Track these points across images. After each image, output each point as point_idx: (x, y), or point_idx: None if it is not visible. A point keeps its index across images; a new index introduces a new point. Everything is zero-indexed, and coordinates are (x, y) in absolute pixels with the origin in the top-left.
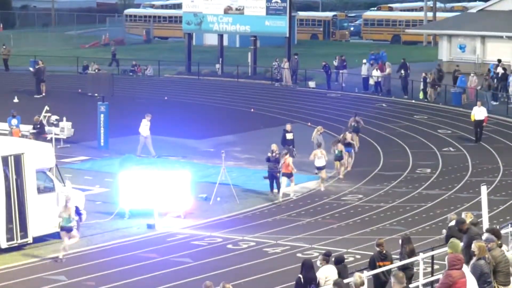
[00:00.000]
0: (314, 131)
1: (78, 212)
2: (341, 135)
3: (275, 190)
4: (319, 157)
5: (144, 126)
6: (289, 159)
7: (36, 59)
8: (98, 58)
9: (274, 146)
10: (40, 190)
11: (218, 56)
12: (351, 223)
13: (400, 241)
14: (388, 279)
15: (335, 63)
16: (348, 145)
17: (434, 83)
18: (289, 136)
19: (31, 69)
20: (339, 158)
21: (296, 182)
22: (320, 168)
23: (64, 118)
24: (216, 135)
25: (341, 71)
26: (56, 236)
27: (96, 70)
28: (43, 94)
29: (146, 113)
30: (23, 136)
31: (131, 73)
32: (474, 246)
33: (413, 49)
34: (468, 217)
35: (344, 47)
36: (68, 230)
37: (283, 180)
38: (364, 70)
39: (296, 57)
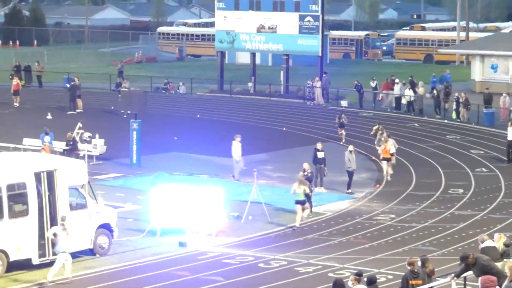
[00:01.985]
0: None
1: (110, 229)
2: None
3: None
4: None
5: (236, 148)
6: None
7: (69, 76)
8: (131, 76)
9: (306, 165)
10: (72, 207)
11: (251, 74)
12: (383, 243)
13: (419, 262)
14: None
15: (372, 84)
16: None
17: (467, 103)
18: (320, 155)
19: (67, 85)
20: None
21: (327, 202)
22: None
23: (97, 135)
24: (248, 154)
25: (390, 92)
26: (87, 253)
27: (125, 85)
28: (81, 110)
29: (236, 134)
30: (55, 152)
31: (163, 91)
32: (506, 268)
33: (445, 69)
34: (501, 239)
35: (376, 66)
36: None
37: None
38: (396, 89)
39: (325, 75)
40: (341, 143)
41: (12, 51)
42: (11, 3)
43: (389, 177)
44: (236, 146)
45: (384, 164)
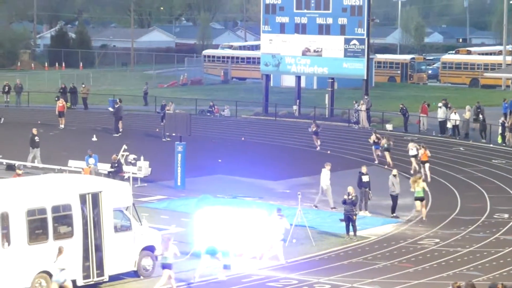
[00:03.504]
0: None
1: (154, 251)
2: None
3: (351, 233)
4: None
5: (325, 176)
6: None
7: (114, 98)
8: (176, 98)
9: (350, 189)
10: (117, 229)
11: (296, 97)
12: (428, 267)
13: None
14: None
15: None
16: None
17: None
18: (365, 178)
19: (110, 109)
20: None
21: (372, 225)
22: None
23: (142, 157)
24: (293, 177)
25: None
26: (132, 274)
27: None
28: (120, 131)
29: (326, 162)
30: (99, 174)
31: (208, 113)
32: None
33: (491, 93)
34: None
35: (422, 90)
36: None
37: None
38: (440, 113)
39: (367, 97)
40: (317, 149)
41: (58, 73)
42: (58, 26)
43: (429, 178)
44: (325, 174)
45: (426, 166)
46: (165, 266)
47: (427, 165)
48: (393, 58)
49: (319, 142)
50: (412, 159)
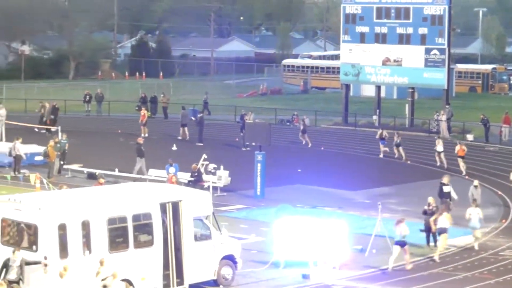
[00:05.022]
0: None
1: (233, 260)
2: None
3: (431, 244)
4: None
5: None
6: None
7: (195, 107)
8: (255, 108)
9: (431, 199)
10: (197, 238)
11: (375, 107)
12: (509, 279)
13: None
14: None
15: None
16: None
17: None
18: (446, 189)
19: (192, 118)
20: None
21: (453, 236)
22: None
23: (221, 167)
24: (372, 187)
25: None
26: (211, 283)
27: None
28: (187, 138)
29: (444, 175)
30: (179, 183)
31: (288, 123)
32: None
33: None
34: None
35: (503, 100)
36: None
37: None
38: None
39: (448, 107)
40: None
41: (139, 82)
42: (138, 35)
43: (464, 172)
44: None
45: (460, 160)
46: None
47: (462, 160)
48: (474, 68)
49: (306, 139)
50: (439, 155)
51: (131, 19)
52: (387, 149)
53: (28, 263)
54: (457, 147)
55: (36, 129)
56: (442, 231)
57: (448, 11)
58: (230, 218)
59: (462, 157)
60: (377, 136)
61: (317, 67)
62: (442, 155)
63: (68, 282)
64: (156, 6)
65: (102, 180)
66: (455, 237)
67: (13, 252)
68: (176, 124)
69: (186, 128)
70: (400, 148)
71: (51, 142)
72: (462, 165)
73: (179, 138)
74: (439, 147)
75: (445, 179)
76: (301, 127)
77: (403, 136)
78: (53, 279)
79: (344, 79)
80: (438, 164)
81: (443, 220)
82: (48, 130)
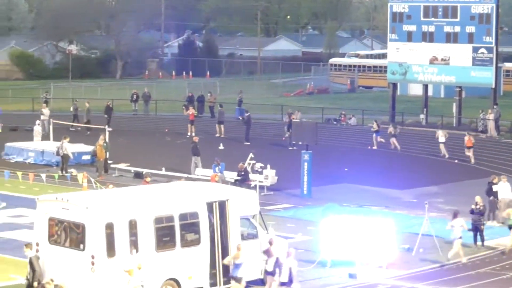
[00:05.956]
0: None
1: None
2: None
3: (479, 243)
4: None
5: (505, 189)
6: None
7: (241, 107)
8: (302, 107)
9: (478, 198)
10: (243, 237)
11: (423, 106)
12: None
13: None
14: None
15: None
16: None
17: None
18: (495, 188)
19: (240, 117)
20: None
21: (500, 235)
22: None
23: (268, 166)
24: (419, 186)
25: None
26: (258, 282)
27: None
28: (222, 135)
29: (502, 175)
30: (226, 182)
31: (335, 122)
32: None
33: None
34: None
35: None
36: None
37: None
38: None
39: (496, 107)
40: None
41: (185, 82)
42: (185, 34)
43: (472, 161)
44: (505, 187)
45: (467, 151)
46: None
47: (471, 150)
48: None
49: (288, 135)
50: (441, 145)
51: (178, 18)
52: (382, 139)
53: None
54: (466, 138)
55: (71, 128)
56: None
57: (496, 9)
58: (277, 217)
59: (470, 148)
60: (373, 130)
61: (364, 66)
62: (441, 146)
63: (115, 281)
64: (203, 5)
65: (148, 179)
66: (502, 236)
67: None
68: (225, 123)
69: (222, 126)
70: (394, 139)
71: (100, 141)
72: (470, 156)
73: (217, 135)
74: (441, 138)
75: (494, 179)
76: (393, 133)
77: (449, 134)
78: (100, 278)
79: (391, 78)
80: (442, 154)
81: None
82: (88, 129)
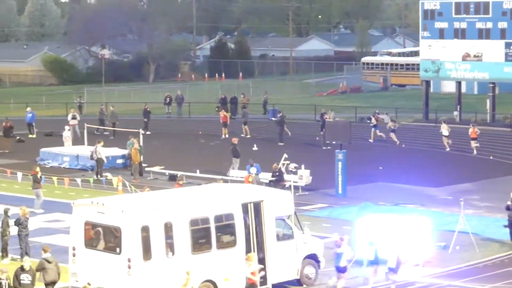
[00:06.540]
0: None
1: (316, 259)
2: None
3: None
4: None
5: None
6: None
7: (274, 107)
8: (335, 106)
9: None
10: (279, 237)
11: (456, 103)
12: None
13: None
14: None
15: None
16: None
17: None
18: None
19: (273, 118)
20: None
21: None
22: None
23: (303, 166)
24: (454, 183)
25: None
26: (294, 283)
27: (328, 116)
28: (248, 135)
29: None
30: (261, 183)
31: (368, 121)
32: None
33: None
34: None
35: None
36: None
37: None
38: None
39: None
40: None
41: (218, 83)
42: (217, 36)
43: (475, 152)
44: None
45: (473, 142)
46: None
47: (474, 141)
48: None
49: (288, 132)
50: (443, 138)
51: (209, 20)
52: (382, 134)
53: None
54: (470, 129)
55: (96, 132)
56: None
57: None
58: (312, 217)
59: (475, 139)
60: (372, 123)
61: (396, 64)
62: (444, 139)
63: (151, 284)
64: (234, 7)
65: (181, 182)
66: None
67: None
68: (257, 124)
69: (247, 126)
70: (393, 134)
71: (136, 145)
72: (474, 146)
73: (242, 135)
74: (444, 131)
75: None
76: (392, 127)
77: (483, 131)
78: (137, 281)
79: (424, 75)
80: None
81: None
82: (113, 133)
